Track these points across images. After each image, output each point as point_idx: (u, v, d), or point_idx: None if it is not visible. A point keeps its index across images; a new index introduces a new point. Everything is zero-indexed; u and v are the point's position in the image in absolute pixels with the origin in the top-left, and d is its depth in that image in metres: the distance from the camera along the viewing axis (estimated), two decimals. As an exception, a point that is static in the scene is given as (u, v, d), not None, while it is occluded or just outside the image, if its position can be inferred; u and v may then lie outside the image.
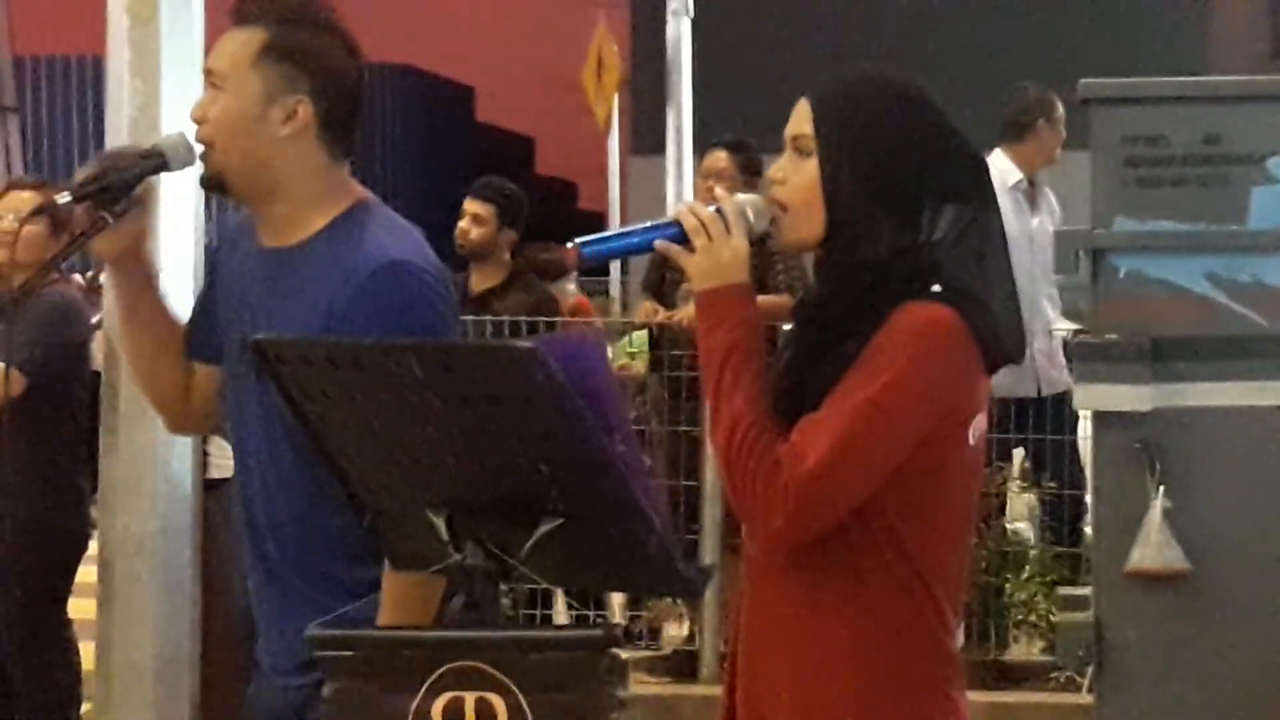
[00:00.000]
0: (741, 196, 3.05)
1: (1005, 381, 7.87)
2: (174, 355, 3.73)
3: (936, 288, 2.92)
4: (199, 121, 3.54)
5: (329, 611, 3.37)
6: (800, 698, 3.01)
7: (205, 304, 3.79)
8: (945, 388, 2.93)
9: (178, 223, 5.99)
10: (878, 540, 2.94)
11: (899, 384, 2.88)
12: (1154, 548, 6.11)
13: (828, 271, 3.04)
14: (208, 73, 3.56)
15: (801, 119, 3.02)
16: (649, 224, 3.12)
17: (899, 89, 3.05)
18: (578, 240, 3.17)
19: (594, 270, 22.04)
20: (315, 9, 3.58)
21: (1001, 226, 3.06)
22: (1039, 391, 8.27)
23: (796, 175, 3.01)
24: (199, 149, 3.54)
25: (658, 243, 3.05)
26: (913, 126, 3.01)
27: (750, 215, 3.03)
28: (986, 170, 3.12)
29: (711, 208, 3.03)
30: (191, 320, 3.79)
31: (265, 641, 3.66)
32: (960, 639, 3.08)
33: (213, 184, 3.57)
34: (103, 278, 5.73)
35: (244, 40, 3.52)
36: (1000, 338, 2.99)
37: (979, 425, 3.01)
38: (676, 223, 3.04)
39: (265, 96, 3.50)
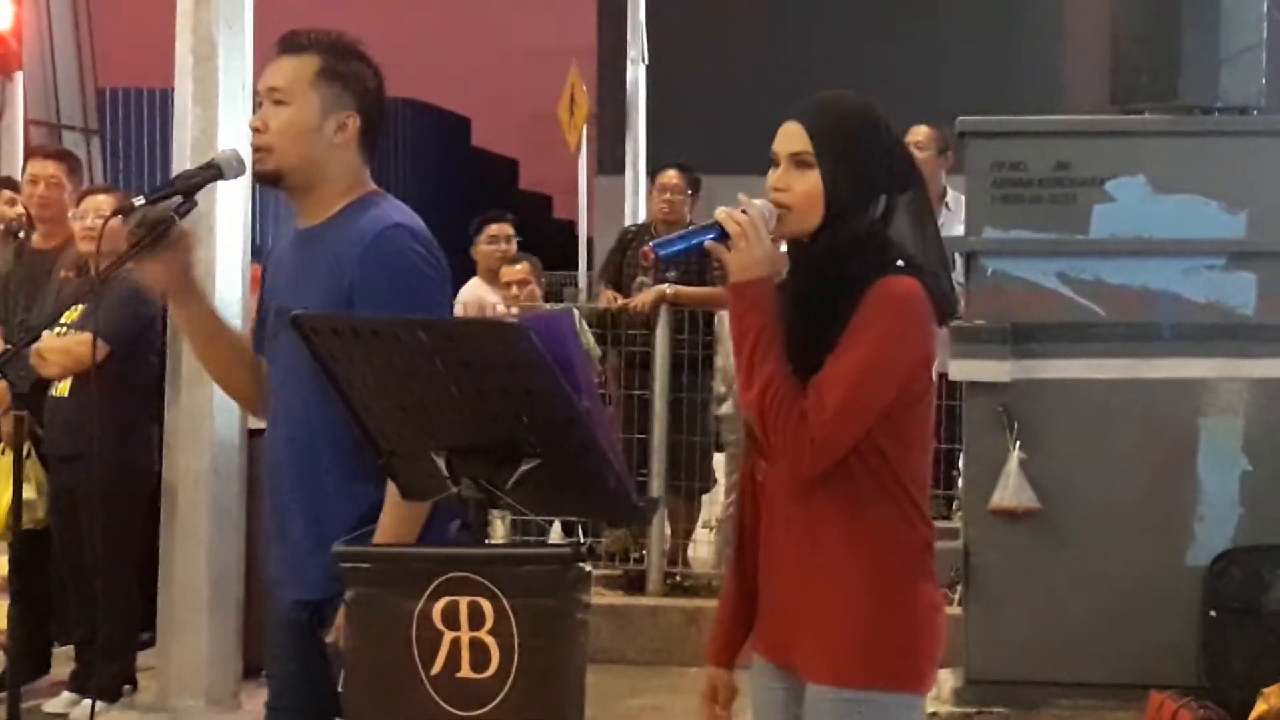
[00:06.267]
0: (759, 203, 3.06)
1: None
2: (243, 360, 3.67)
3: (900, 263, 3.04)
4: (259, 130, 3.49)
5: (323, 544, 3.31)
6: (824, 594, 3.08)
7: (263, 304, 3.73)
8: (918, 340, 3.05)
9: (230, 226, 5.98)
10: (869, 460, 3.04)
11: (888, 341, 2.99)
12: (1011, 490, 6.15)
13: (818, 253, 3.08)
14: (270, 90, 3.49)
15: (797, 138, 3.07)
16: (699, 227, 3.14)
17: (865, 108, 3.14)
18: (652, 244, 3.18)
19: (564, 264, 21.95)
20: (351, 41, 3.57)
21: (929, 203, 3.17)
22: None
23: (800, 183, 3.06)
24: (255, 152, 3.50)
25: (708, 243, 3.07)
26: (879, 135, 3.11)
27: (767, 217, 3.06)
28: (914, 160, 3.22)
29: (739, 211, 3.05)
30: (256, 322, 3.75)
31: (275, 566, 3.63)
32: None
33: (270, 179, 3.52)
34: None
35: (301, 65, 3.49)
36: (945, 297, 3.11)
37: (935, 365, 3.14)
38: (717, 225, 3.06)
39: (323, 111, 3.48)
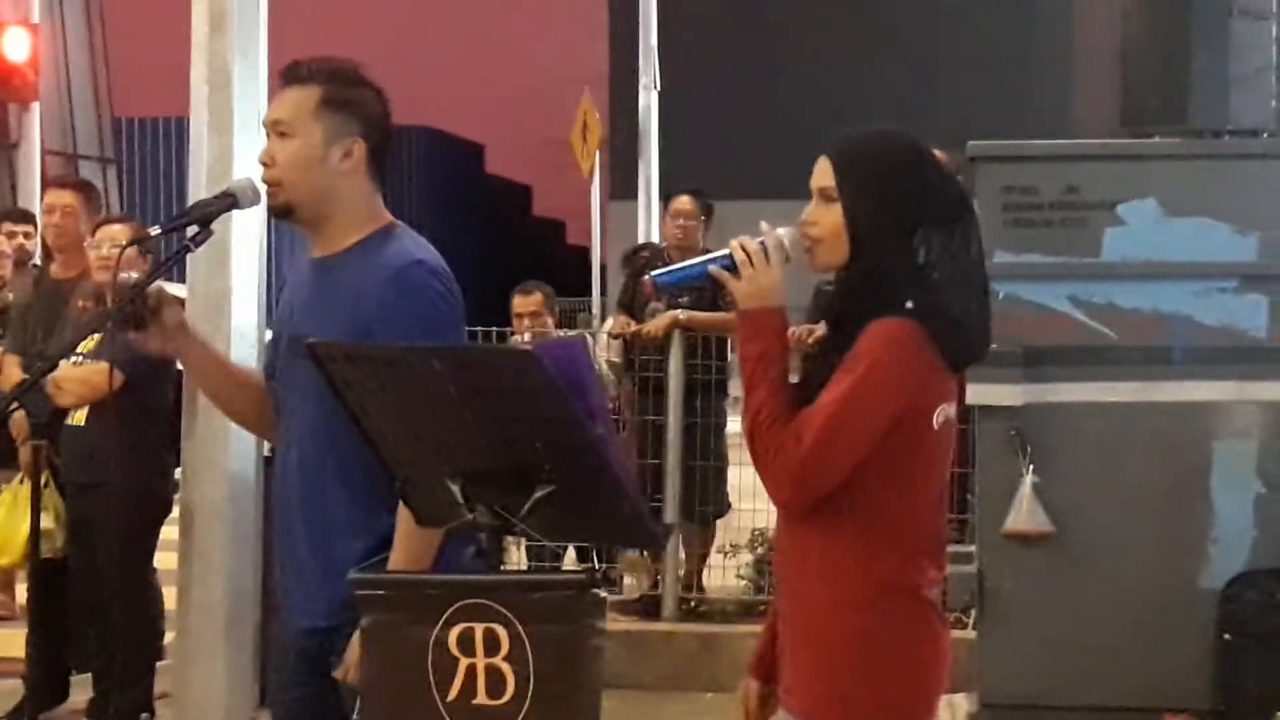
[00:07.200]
0: (781, 231, 3.08)
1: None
2: (252, 396, 3.70)
3: (909, 304, 2.99)
4: (267, 164, 3.50)
5: (332, 572, 3.33)
6: (799, 623, 3.10)
7: (275, 332, 3.76)
8: (904, 382, 2.98)
9: (245, 254, 5.98)
10: (856, 502, 3.00)
11: (867, 380, 2.95)
12: (1025, 514, 6.13)
13: (841, 288, 3.10)
14: (274, 123, 3.51)
15: (825, 173, 3.09)
16: (707, 256, 3.13)
17: (896, 142, 3.12)
18: (652, 274, 3.21)
19: (577, 290, 21.97)
20: (353, 67, 3.57)
21: (979, 237, 3.12)
22: None
23: (826, 217, 3.07)
24: (267, 187, 3.52)
25: (711, 269, 3.08)
26: (908, 171, 3.08)
27: (787, 247, 3.07)
28: (965, 193, 3.19)
29: (757, 240, 3.06)
30: (269, 351, 3.77)
31: (285, 592, 3.63)
32: (937, 588, 3.14)
33: (282, 213, 3.54)
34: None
35: (303, 96, 3.50)
36: (963, 342, 3.05)
37: (944, 413, 3.05)
38: (728, 254, 3.07)
39: (327, 140, 3.48)
